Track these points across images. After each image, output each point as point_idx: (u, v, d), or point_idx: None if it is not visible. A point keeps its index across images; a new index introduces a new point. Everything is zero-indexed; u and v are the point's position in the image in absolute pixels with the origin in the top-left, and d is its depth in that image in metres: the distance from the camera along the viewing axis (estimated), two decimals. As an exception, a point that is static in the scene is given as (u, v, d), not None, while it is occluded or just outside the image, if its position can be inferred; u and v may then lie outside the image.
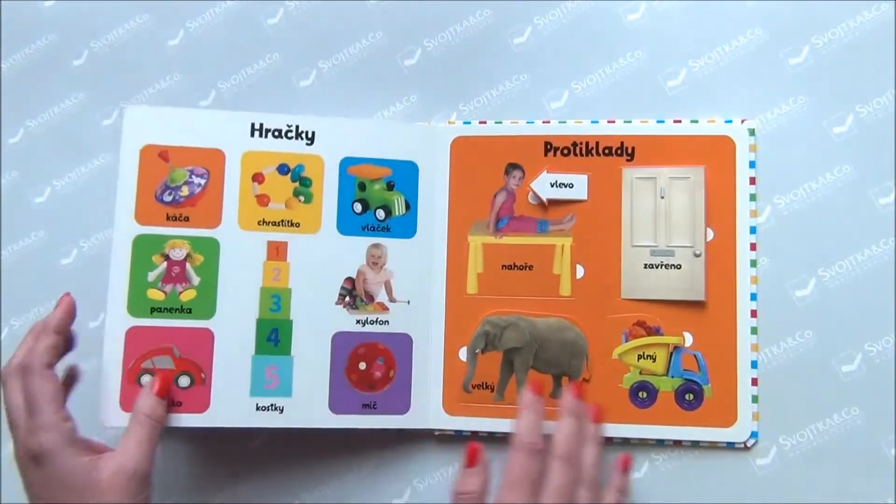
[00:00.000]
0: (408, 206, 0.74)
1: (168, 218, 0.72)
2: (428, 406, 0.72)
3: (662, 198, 0.70)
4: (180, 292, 0.71)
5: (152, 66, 0.82)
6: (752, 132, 0.70)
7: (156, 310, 0.71)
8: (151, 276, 0.71)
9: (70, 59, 0.84)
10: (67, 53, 0.84)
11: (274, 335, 0.71)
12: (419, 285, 0.73)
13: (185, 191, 0.72)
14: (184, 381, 0.70)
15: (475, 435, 0.72)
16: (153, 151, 0.72)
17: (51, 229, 0.83)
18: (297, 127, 0.73)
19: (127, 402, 0.69)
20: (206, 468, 0.77)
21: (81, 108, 0.83)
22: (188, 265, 0.71)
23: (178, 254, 0.71)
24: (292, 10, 0.80)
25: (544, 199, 0.72)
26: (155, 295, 0.71)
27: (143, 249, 0.71)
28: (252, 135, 0.73)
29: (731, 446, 0.69)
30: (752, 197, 0.70)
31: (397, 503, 0.73)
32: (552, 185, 0.72)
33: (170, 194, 0.72)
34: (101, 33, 0.84)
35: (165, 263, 0.71)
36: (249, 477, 0.76)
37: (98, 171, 0.82)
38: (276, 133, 0.73)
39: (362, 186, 0.74)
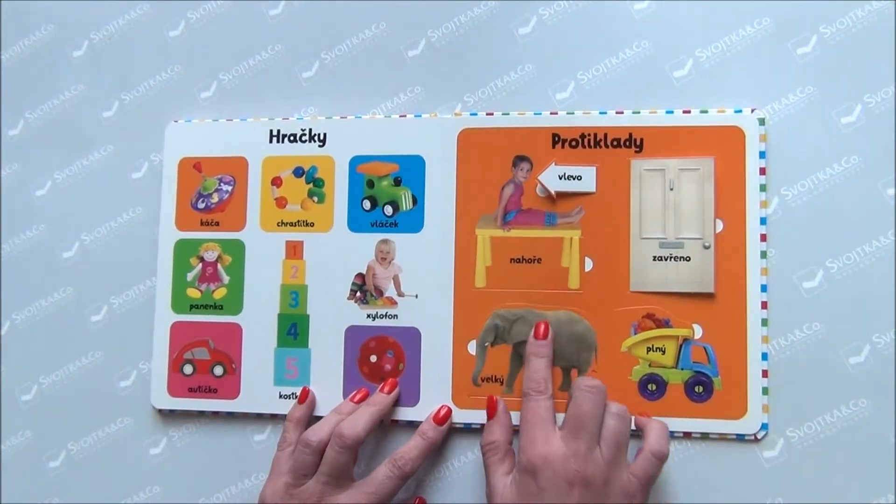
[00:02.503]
0: (415, 201, 0.74)
1: (202, 223, 0.78)
2: (437, 398, 0.73)
3: (671, 189, 0.70)
4: (213, 290, 0.78)
5: (153, 58, 0.82)
6: (762, 122, 0.70)
7: (194, 306, 0.78)
8: (189, 276, 0.78)
9: (70, 51, 0.83)
10: (67, 45, 0.83)
11: (293, 329, 0.75)
12: (427, 279, 0.74)
13: (215, 198, 0.78)
14: (218, 370, 0.77)
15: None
16: (189, 163, 0.79)
17: (52, 222, 0.82)
18: (311, 130, 0.77)
19: (173, 389, 0.77)
20: (212, 464, 0.77)
21: (82, 100, 0.83)
22: (219, 266, 0.78)
23: (210, 255, 0.78)
24: (294, 1, 0.80)
25: (552, 192, 0.72)
26: (193, 293, 0.78)
27: (183, 253, 0.78)
28: (271, 141, 0.77)
29: (741, 438, 0.69)
30: (762, 187, 0.69)
31: (405, 496, 0.73)
32: (560, 178, 0.71)
33: (203, 202, 0.78)
34: (100, 24, 0.83)
35: (201, 265, 0.78)
36: (256, 471, 0.76)
37: (99, 163, 0.82)
38: (292, 137, 0.77)
39: (370, 184, 0.75)
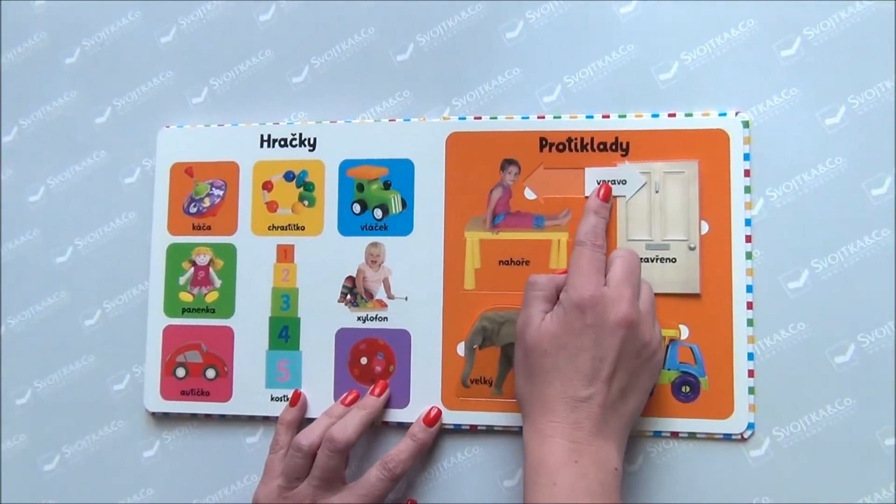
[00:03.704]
0: (404, 204, 0.75)
1: (194, 227, 0.79)
2: (427, 400, 0.73)
3: (657, 192, 0.71)
4: (205, 294, 0.78)
5: (144, 64, 0.82)
6: (746, 124, 0.70)
7: (186, 310, 0.79)
8: (182, 280, 0.79)
9: (62, 58, 0.84)
10: (59, 52, 0.84)
11: (284, 332, 0.76)
12: (417, 282, 0.74)
13: (206, 202, 0.78)
14: (210, 373, 0.77)
15: (474, 429, 0.72)
16: (181, 168, 0.79)
17: (45, 228, 0.83)
18: (301, 134, 0.77)
19: (166, 392, 0.78)
20: (205, 466, 0.77)
21: (74, 107, 0.83)
22: (211, 269, 0.78)
23: (202, 259, 0.78)
24: (284, 7, 0.80)
25: (539, 196, 0.72)
26: (185, 297, 0.79)
27: (175, 257, 0.79)
28: (261, 146, 0.78)
29: (727, 438, 0.69)
30: (747, 189, 0.70)
31: (396, 497, 0.74)
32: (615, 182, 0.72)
33: (195, 206, 0.79)
34: (92, 31, 0.84)
35: (193, 269, 0.79)
36: (249, 473, 0.76)
37: (92, 168, 0.82)
38: (283, 142, 0.77)
39: (360, 187, 0.76)
